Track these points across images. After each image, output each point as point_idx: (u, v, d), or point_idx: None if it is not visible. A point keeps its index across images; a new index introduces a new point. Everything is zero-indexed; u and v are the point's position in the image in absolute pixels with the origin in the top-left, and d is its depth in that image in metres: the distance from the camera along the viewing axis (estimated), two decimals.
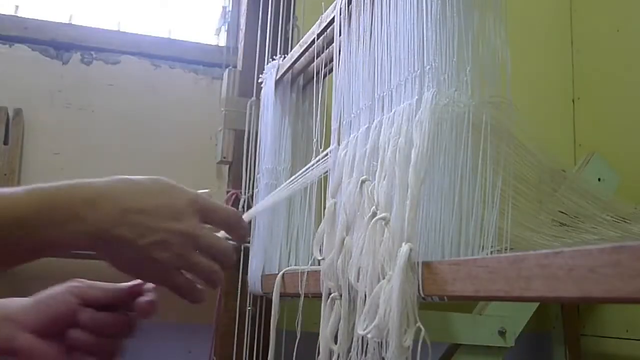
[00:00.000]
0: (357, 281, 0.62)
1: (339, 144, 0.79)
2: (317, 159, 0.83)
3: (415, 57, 0.62)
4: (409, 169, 0.56)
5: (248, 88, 1.32)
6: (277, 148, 1.13)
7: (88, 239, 0.48)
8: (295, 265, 1.00)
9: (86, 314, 0.53)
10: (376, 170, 0.64)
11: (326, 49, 0.97)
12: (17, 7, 1.46)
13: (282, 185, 0.87)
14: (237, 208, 1.27)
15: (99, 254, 0.51)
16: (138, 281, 0.55)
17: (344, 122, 0.77)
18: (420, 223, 0.56)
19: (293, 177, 0.86)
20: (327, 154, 0.81)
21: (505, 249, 0.58)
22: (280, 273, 0.96)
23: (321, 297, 0.73)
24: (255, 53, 1.31)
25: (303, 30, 1.30)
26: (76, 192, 0.49)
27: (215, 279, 0.54)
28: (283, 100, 1.16)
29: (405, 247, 0.54)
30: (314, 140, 0.94)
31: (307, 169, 0.84)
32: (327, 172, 0.81)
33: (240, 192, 1.27)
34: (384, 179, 0.62)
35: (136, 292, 0.55)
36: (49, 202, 0.48)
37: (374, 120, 0.69)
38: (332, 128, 0.81)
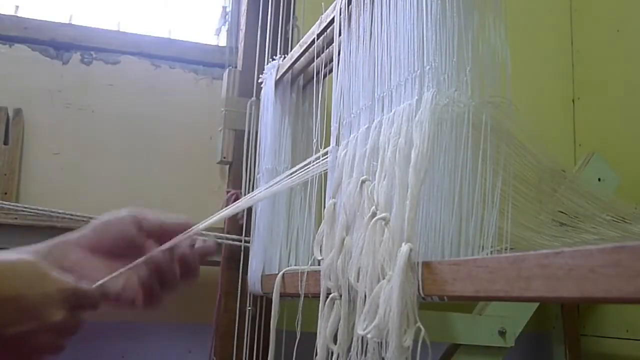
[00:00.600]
0: (357, 281, 0.62)
1: (337, 144, 0.79)
2: (315, 156, 0.84)
3: (415, 57, 0.62)
4: (409, 169, 0.56)
5: (248, 88, 1.32)
6: (277, 148, 1.13)
7: None
8: (295, 265, 1.00)
9: (156, 256, 0.56)
10: (376, 171, 0.64)
11: (326, 49, 0.97)
12: (17, 7, 1.46)
13: (276, 180, 0.87)
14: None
15: None
16: (185, 220, 0.59)
17: (344, 122, 0.77)
18: (420, 223, 0.56)
19: (285, 175, 0.87)
20: (325, 154, 0.81)
21: (505, 249, 0.58)
22: (280, 273, 0.96)
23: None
24: (255, 53, 1.31)
25: (303, 31, 1.30)
26: None
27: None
28: (283, 101, 1.16)
29: (405, 247, 0.54)
30: (314, 140, 0.94)
31: (303, 167, 0.84)
32: (326, 170, 0.81)
33: (240, 192, 1.27)
34: (383, 179, 0.61)
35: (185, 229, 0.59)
36: None
37: (374, 121, 0.69)
38: (332, 128, 0.81)
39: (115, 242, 0.56)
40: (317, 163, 0.83)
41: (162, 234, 0.58)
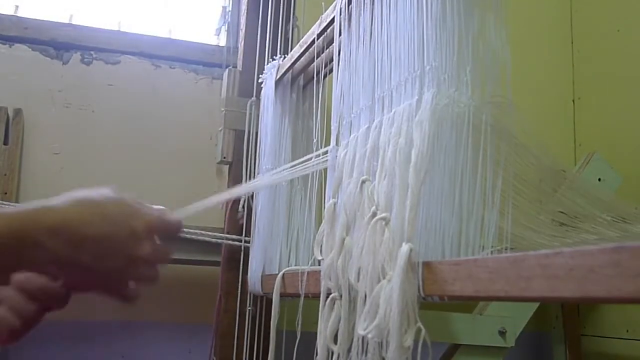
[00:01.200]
0: (357, 281, 0.62)
1: (337, 144, 0.79)
2: (316, 153, 0.84)
3: (416, 57, 0.62)
4: (409, 169, 0.56)
5: (248, 88, 1.32)
6: (277, 148, 1.13)
7: (48, 264, 0.51)
8: (296, 265, 1.00)
9: (21, 275, 0.53)
10: (376, 171, 0.64)
11: (326, 49, 0.97)
12: (17, 7, 1.46)
13: (274, 172, 0.87)
14: (237, 208, 1.27)
15: (58, 274, 0.52)
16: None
17: (344, 122, 0.77)
18: (421, 223, 0.56)
19: (285, 167, 0.87)
20: (325, 152, 0.81)
21: (506, 249, 0.58)
22: (281, 273, 0.96)
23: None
24: (256, 53, 1.31)
25: (303, 30, 1.30)
26: (40, 219, 0.51)
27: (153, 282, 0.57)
28: (283, 101, 1.16)
29: (405, 247, 0.54)
30: (314, 140, 0.94)
31: (304, 162, 0.84)
32: (326, 167, 0.81)
33: None
34: (384, 179, 0.61)
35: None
36: (15, 229, 0.49)
37: (374, 120, 0.69)
38: (332, 128, 0.81)
39: None
40: (317, 160, 0.83)
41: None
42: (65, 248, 0.50)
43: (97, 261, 0.51)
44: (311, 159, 0.85)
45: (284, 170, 0.88)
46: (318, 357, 0.69)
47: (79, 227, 0.51)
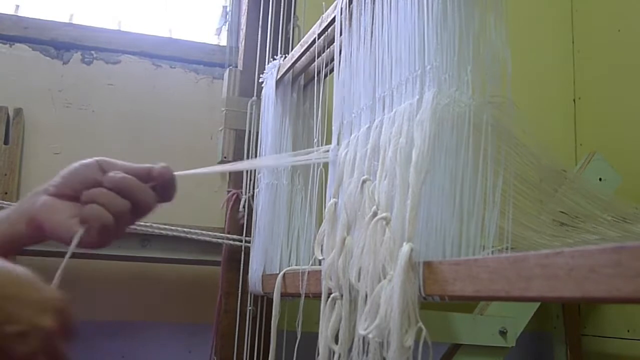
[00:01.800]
0: (358, 281, 0.62)
1: (338, 144, 0.79)
2: (316, 149, 0.84)
3: (416, 56, 0.62)
4: (410, 169, 0.56)
5: (249, 88, 1.32)
6: (277, 148, 1.13)
7: None
8: (296, 265, 1.00)
9: (115, 174, 0.55)
10: (377, 170, 0.64)
11: (327, 49, 0.97)
12: (17, 6, 1.46)
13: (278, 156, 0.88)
14: (238, 208, 1.27)
15: None
16: (156, 165, 0.58)
17: (345, 122, 0.77)
18: (421, 223, 0.56)
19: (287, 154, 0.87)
20: (326, 150, 0.81)
21: (506, 249, 0.58)
22: (281, 273, 0.96)
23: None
24: (256, 53, 1.31)
25: (304, 30, 1.30)
26: None
27: None
28: (284, 100, 1.16)
29: (406, 247, 0.54)
30: (315, 140, 0.94)
31: (303, 155, 0.84)
32: (326, 162, 0.81)
33: (241, 192, 1.27)
34: (384, 179, 0.61)
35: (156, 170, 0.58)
36: None
37: (374, 120, 0.69)
38: (333, 128, 0.81)
39: (81, 187, 0.56)
40: (318, 154, 0.83)
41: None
42: None
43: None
44: (313, 152, 0.85)
45: (287, 156, 0.89)
46: (319, 357, 0.69)
47: None
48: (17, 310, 0.46)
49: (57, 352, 0.49)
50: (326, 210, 0.75)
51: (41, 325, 0.48)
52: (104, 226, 0.53)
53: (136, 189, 0.55)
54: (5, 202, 1.22)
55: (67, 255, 0.52)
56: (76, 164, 0.58)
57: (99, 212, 0.53)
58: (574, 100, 1.79)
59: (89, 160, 0.57)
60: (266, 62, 1.24)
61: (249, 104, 1.31)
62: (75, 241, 0.52)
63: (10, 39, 1.42)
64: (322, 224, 0.76)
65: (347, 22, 0.80)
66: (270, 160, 1.06)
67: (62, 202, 0.55)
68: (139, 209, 0.56)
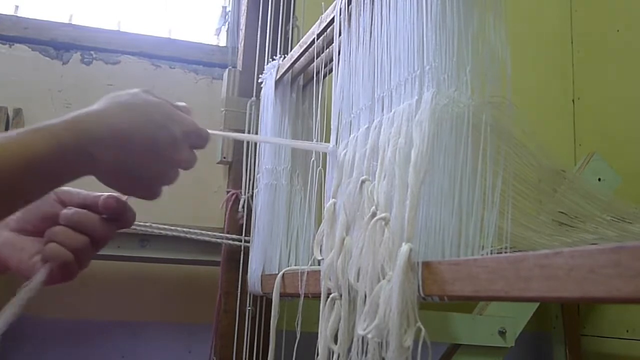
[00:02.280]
0: (357, 281, 0.62)
1: (337, 144, 0.79)
2: (315, 141, 0.84)
3: (415, 57, 0.62)
4: (409, 169, 0.56)
5: (248, 88, 1.32)
6: (277, 148, 1.13)
7: (97, 173, 0.52)
8: (295, 265, 1.00)
9: (68, 210, 0.55)
10: (376, 170, 0.64)
11: (326, 49, 0.97)
12: (17, 7, 1.46)
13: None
14: (237, 208, 1.27)
15: (104, 181, 0.54)
16: (102, 195, 0.58)
17: (344, 122, 0.77)
18: (420, 223, 0.56)
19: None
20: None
21: (505, 249, 0.58)
22: (280, 273, 0.96)
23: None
24: (255, 53, 1.31)
25: (303, 30, 1.30)
26: (92, 131, 0.51)
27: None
28: (283, 100, 1.16)
29: (405, 247, 0.54)
30: (314, 140, 0.94)
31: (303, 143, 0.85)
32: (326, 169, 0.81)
33: (241, 192, 1.27)
34: (383, 179, 0.61)
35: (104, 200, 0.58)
36: (67, 144, 0.48)
37: (373, 120, 0.69)
38: (332, 128, 0.81)
39: (40, 222, 0.56)
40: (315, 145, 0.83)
41: (85, 207, 0.57)
42: (116, 158, 0.51)
43: (142, 168, 0.53)
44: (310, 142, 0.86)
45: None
46: (319, 357, 0.69)
47: (130, 137, 0.52)
48: (159, 151, 0.54)
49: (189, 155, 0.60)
50: (325, 210, 0.75)
51: (176, 160, 0.57)
52: (64, 263, 0.54)
53: (90, 224, 0.56)
54: None
55: (27, 294, 0.52)
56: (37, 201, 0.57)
57: (58, 251, 0.54)
58: (573, 100, 1.79)
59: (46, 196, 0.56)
60: (265, 63, 1.24)
61: (248, 104, 1.31)
62: (37, 281, 0.53)
63: (10, 39, 1.42)
64: (321, 224, 0.76)
65: (346, 23, 0.80)
66: (271, 138, 1.10)
67: (24, 239, 0.56)
68: (98, 241, 0.56)
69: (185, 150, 0.58)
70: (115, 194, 0.57)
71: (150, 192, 0.57)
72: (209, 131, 0.65)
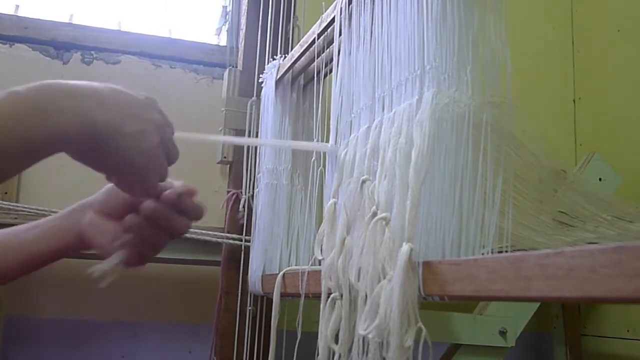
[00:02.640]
0: (358, 281, 0.62)
1: (336, 143, 0.79)
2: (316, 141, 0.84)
3: (416, 56, 0.62)
4: (410, 169, 0.56)
5: (248, 88, 1.32)
6: (277, 148, 1.13)
7: (75, 131, 0.51)
8: (296, 265, 1.00)
9: (149, 204, 0.59)
10: (377, 170, 0.64)
11: (326, 49, 0.97)
12: (17, 6, 1.46)
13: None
14: (238, 208, 1.27)
15: (88, 155, 0.55)
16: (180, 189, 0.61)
17: (345, 122, 0.77)
18: (421, 223, 0.56)
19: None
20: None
21: (506, 249, 0.58)
22: (281, 273, 0.96)
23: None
24: (256, 53, 1.31)
25: (303, 30, 1.30)
26: (54, 89, 0.51)
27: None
28: (283, 100, 1.16)
29: (405, 247, 0.54)
30: (314, 140, 0.94)
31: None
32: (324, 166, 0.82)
33: (241, 192, 1.27)
34: (384, 179, 0.61)
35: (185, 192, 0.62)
36: (29, 102, 0.50)
37: (374, 120, 0.69)
38: (331, 127, 0.81)
39: (122, 207, 0.60)
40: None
41: (164, 200, 0.61)
42: (84, 111, 0.51)
43: (121, 124, 0.52)
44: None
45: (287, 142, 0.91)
46: (319, 357, 0.69)
47: (92, 95, 0.52)
48: (131, 112, 0.53)
49: (170, 141, 0.58)
50: (326, 210, 0.75)
51: (153, 118, 0.55)
52: (139, 252, 0.60)
53: (169, 220, 0.59)
54: (5, 202, 1.22)
55: (102, 270, 0.58)
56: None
57: (136, 242, 0.59)
58: (574, 100, 1.79)
59: None
60: (266, 62, 1.24)
61: (248, 104, 1.31)
62: (111, 262, 0.58)
63: (10, 39, 1.42)
64: (322, 224, 0.76)
65: (346, 22, 0.80)
66: (270, 140, 1.09)
67: (106, 223, 0.61)
68: (174, 234, 0.60)
69: (157, 114, 0.57)
70: (188, 186, 0.61)
71: (143, 181, 0.56)
72: (209, 137, 0.65)
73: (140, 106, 0.55)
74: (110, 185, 0.61)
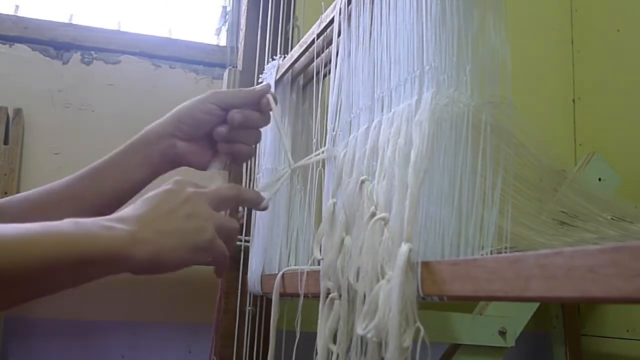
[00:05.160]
0: (357, 281, 0.62)
1: (333, 144, 0.79)
2: (315, 141, 0.84)
3: (415, 57, 0.62)
4: (409, 169, 0.56)
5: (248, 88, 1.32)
6: (277, 148, 1.12)
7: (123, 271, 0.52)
8: (295, 265, 1.00)
9: (237, 114, 0.70)
10: (376, 171, 0.64)
11: (326, 49, 0.97)
12: (17, 7, 1.46)
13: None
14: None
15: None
16: (264, 86, 0.73)
17: (344, 122, 0.77)
18: (420, 223, 0.56)
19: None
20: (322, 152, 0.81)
21: (505, 249, 0.58)
22: (280, 273, 0.96)
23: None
24: (256, 53, 1.30)
25: (303, 30, 1.30)
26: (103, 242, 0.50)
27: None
28: (283, 100, 1.16)
29: (404, 247, 0.54)
30: (314, 140, 0.94)
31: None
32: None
33: None
34: (383, 179, 0.61)
35: (262, 94, 0.72)
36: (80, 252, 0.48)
37: (373, 121, 0.69)
38: (328, 128, 0.81)
39: (204, 127, 0.71)
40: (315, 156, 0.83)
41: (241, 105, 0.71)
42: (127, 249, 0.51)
43: (163, 244, 0.52)
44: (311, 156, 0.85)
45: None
46: (318, 357, 0.69)
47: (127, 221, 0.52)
48: (167, 221, 0.54)
49: (219, 220, 0.59)
50: (325, 210, 0.75)
51: (191, 211, 0.56)
52: (235, 155, 0.73)
53: (255, 121, 0.72)
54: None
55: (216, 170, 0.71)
56: (189, 105, 0.72)
57: (239, 148, 0.73)
58: (574, 100, 1.79)
59: (201, 99, 0.71)
60: (265, 62, 1.24)
61: None
62: (217, 168, 0.72)
63: (10, 39, 1.42)
64: (321, 224, 0.76)
65: (345, 23, 0.80)
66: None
67: (202, 146, 0.71)
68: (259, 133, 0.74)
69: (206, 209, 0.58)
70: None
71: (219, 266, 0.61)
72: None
73: (173, 204, 0.55)
74: (182, 109, 0.72)
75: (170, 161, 0.71)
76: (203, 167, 0.72)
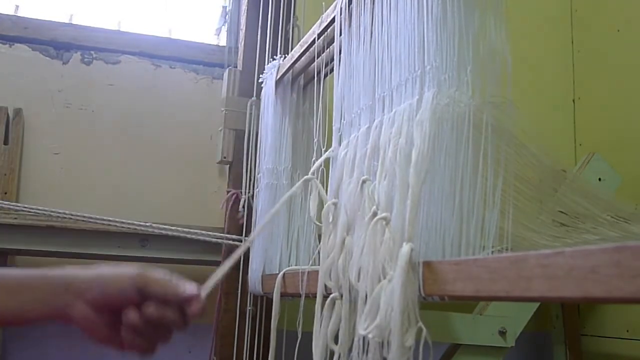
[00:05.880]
0: (358, 281, 0.62)
1: (340, 144, 0.79)
2: (315, 141, 0.83)
3: (416, 57, 0.62)
4: (410, 169, 0.56)
5: (248, 88, 1.32)
6: (277, 148, 1.13)
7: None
8: (296, 265, 1.00)
9: (150, 308, 0.60)
10: (377, 170, 0.64)
11: (327, 49, 0.97)
12: (17, 7, 1.46)
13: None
14: (238, 208, 1.27)
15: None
16: (194, 290, 0.63)
17: (345, 122, 0.77)
18: (421, 223, 0.56)
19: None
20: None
21: (506, 249, 0.58)
22: (281, 273, 0.96)
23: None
24: (256, 53, 1.31)
25: (303, 30, 1.30)
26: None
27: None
28: (283, 100, 1.16)
29: (406, 247, 0.54)
30: (315, 140, 0.94)
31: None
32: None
33: (241, 192, 1.27)
34: (384, 179, 0.61)
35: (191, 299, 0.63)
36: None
37: (374, 120, 0.69)
38: (333, 128, 0.81)
39: (119, 301, 0.60)
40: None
41: (165, 302, 0.62)
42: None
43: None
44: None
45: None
46: (314, 357, 0.69)
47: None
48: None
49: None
50: (325, 210, 0.75)
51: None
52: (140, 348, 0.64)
53: (170, 322, 0.63)
54: (5, 202, 1.22)
55: None
56: (111, 275, 0.61)
57: (138, 342, 0.63)
58: (574, 100, 1.79)
59: (126, 275, 0.61)
60: (266, 62, 1.24)
61: (248, 104, 1.31)
62: None
63: (10, 39, 1.41)
64: (322, 224, 0.76)
65: (346, 22, 0.80)
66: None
67: (99, 319, 0.60)
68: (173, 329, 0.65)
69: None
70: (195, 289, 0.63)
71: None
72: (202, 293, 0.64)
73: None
74: (102, 277, 0.61)
75: (62, 314, 0.62)
76: (98, 340, 0.63)
